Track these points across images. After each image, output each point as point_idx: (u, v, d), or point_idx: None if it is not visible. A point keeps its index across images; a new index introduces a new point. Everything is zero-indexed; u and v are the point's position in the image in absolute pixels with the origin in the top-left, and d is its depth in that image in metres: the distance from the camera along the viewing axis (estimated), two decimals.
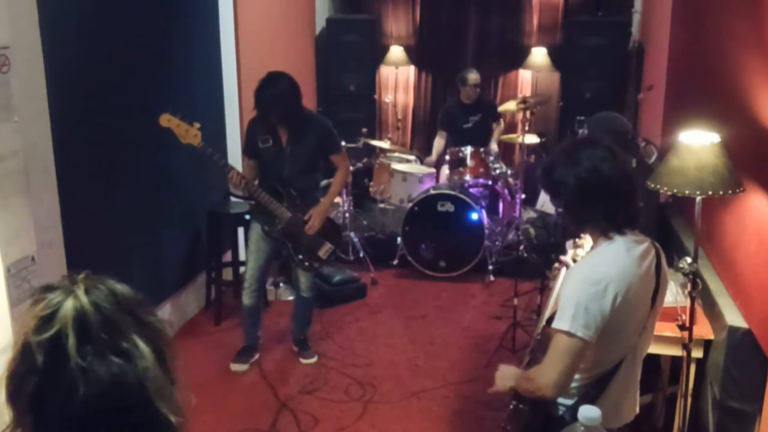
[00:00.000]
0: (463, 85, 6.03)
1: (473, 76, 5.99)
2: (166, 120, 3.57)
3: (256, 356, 4.19)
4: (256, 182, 3.88)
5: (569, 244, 2.52)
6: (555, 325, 1.97)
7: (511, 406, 2.21)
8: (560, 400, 2.09)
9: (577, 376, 2.04)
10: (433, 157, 6.23)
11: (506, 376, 2.20)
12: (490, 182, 5.75)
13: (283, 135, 3.85)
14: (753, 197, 2.75)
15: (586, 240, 2.22)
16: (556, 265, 2.45)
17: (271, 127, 3.82)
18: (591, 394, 2.05)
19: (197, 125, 3.59)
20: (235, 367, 4.10)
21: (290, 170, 3.85)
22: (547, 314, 2.21)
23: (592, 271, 1.98)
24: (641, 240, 2.07)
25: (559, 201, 2.10)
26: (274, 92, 3.67)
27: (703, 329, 2.94)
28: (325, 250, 3.99)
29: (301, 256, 3.98)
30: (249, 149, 3.95)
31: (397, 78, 7.37)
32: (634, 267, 2.00)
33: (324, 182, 4.22)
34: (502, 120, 6.33)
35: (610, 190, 1.99)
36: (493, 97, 6.94)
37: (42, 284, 1.03)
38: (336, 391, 3.90)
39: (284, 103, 3.70)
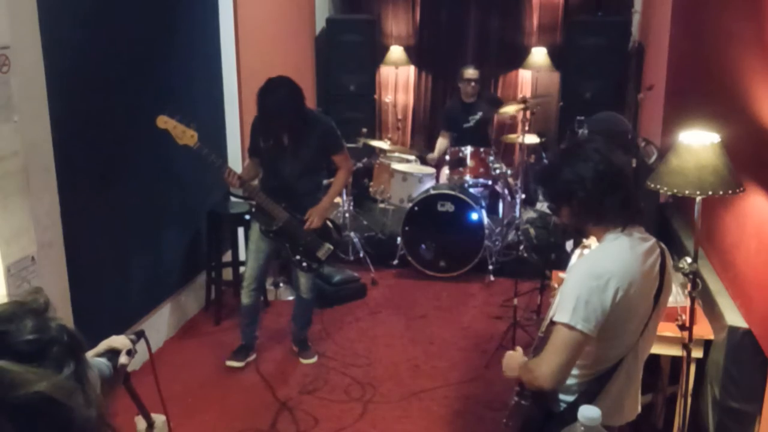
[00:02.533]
0: (461, 80, 6.04)
1: (470, 71, 5.99)
2: (163, 122, 3.57)
3: (253, 356, 4.19)
4: (256, 182, 3.87)
5: (569, 244, 2.51)
6: (555, 317, 1.99)
7: (513, 402, 2.22)
8: (561, 396, 2.10)
9: (577, 372, 2.05)
10: (436, 154, 6.19)
11: (512, 365, 2.21)
12: (490, 182, 5.75)
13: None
14: (753, 197, 2.75)
15: (593, 242, 2.21)
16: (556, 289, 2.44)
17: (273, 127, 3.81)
18: (591, 390, 2.06)
19: (194, 126, 3.59)
20: (231, 363, 4.11)
21: (292, 170, 3.84)
22: (551, 314, 2.21)
23: (595, 265, 1.99)
24: (646, 238, 2.07)
25: (572, 201, 2.05)
26: (276, 105, 3.62)
27: (703, 329, 2.95)
28: (324, 251, 3.98)
29: (299, 257, 3.97)
30: (252, 148, 3.95)
31: (397, 78, 7.37)
32: (637, 263, 2.00)
33: (326, 182, 4.22)
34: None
35: (624, 177, 2.03)
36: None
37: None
38: (336, 391, 3.90)
39: (288, 113, 3.67)
